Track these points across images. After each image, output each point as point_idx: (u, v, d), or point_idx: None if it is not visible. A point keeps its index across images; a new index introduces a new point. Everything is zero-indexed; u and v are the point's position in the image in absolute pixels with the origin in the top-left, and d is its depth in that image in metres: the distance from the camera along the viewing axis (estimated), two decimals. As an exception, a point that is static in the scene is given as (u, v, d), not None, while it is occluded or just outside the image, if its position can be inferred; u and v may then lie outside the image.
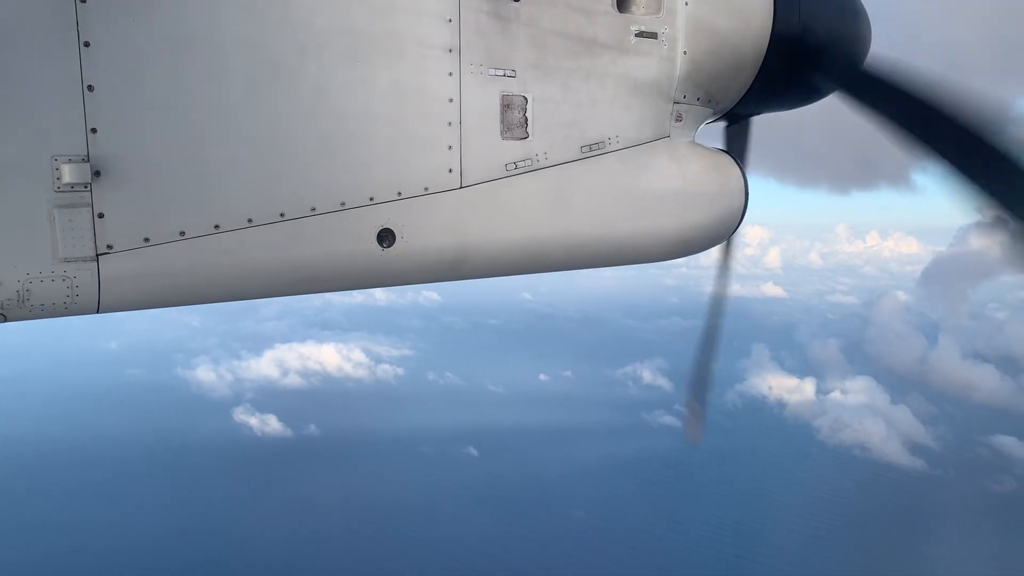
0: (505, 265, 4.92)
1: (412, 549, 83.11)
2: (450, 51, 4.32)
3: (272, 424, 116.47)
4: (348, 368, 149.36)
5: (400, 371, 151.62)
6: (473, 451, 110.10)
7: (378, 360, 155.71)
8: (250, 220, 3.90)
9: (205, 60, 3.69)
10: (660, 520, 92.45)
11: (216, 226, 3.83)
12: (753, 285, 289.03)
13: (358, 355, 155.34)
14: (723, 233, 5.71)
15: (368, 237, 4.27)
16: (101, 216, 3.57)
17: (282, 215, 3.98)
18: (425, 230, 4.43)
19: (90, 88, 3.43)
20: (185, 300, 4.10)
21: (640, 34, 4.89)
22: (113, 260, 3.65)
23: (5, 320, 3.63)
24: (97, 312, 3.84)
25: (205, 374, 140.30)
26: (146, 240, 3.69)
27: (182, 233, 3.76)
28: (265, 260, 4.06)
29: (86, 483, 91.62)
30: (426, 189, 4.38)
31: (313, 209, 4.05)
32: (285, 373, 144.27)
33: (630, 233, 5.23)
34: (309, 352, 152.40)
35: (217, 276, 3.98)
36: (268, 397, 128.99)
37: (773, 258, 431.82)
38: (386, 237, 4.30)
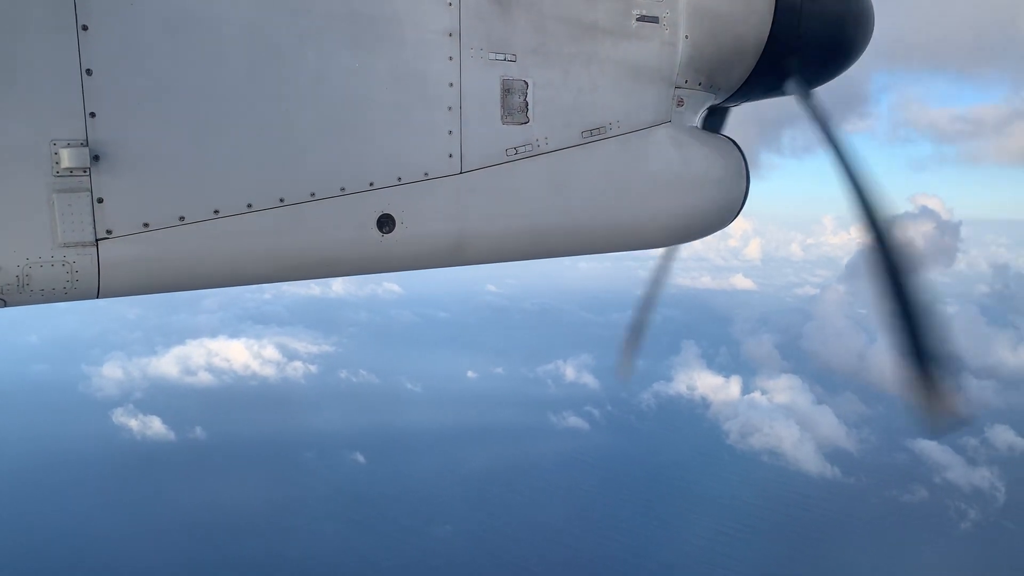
0: (505, 251, 4.86)
1: (267, 565, 77.75)
2: (450, 35, 4.31)
3: (155, 426, 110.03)
4: (256, 366, 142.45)
5: (313, 368, 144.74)
6: (360, 457, 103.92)
7: (292, 357, 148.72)
8: (250, 205, 3.90)
9: (204, 44, 3.67)
10: (544, 531, 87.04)
11: (216, 211, 3.82)
12: (724, 277, 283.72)
13: (271, 352, 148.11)
14: (724, 218, 5.56)
15: (368, 223, 4.23)
16: (100, 201, 3.56)
17: (282, 200, 3.97)
18: (425, 215, 4.40)
19: (88, 72, 3.42)
20: (184, 285, 4.07)
21: (641, 18, 4.86)
22: (113, 245, 3.64)
23: (5, 305, 3.63)
24: (97, 297, 3.80)
25: (111, 371, 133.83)
26: (146, 225, 3.68)
27: (181, 218, 3.75)
28: (265, 245, 4.04)
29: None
30: (426, 174, 4.36)
31: (313, 194, 4.04)
32: (190, 371, 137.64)
33: (631, 218, 5.17)
34: (219, 348, 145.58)
35: (216, 261, 3.94)
36: (162, 397, 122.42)
37: (753, 249, 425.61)
38: (386, 222, 4.28)
